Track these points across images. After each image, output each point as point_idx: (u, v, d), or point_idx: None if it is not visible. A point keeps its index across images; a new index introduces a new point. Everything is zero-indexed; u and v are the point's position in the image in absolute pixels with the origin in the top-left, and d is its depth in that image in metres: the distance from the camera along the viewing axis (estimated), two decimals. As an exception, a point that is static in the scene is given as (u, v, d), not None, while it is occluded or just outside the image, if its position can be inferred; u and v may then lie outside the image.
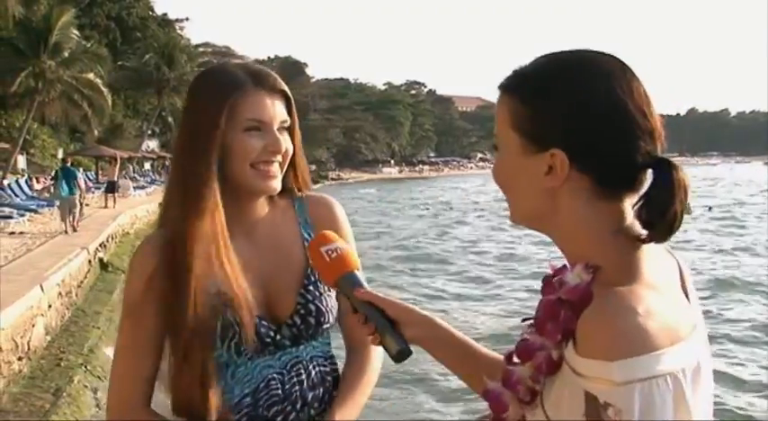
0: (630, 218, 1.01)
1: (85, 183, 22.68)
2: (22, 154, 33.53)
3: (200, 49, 62.50)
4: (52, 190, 20.58)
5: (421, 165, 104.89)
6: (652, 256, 1.01)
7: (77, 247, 13.64)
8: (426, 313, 1.26)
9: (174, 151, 1.54)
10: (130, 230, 20.72)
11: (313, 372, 1.54)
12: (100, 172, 36.63)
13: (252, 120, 1.47)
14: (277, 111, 1.50)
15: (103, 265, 14.86)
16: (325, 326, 1.56)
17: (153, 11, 57.03)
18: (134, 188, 32.08)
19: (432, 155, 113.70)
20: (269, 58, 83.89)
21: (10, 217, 18.26)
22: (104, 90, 35.04)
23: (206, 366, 1.43)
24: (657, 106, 1.06)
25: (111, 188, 25.65)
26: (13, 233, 16.60)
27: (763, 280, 16.83)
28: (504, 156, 1.07)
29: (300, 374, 1.52)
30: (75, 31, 33.66)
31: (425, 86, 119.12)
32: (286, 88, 1.53)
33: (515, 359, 1.05)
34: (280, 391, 1.50)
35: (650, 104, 1.01)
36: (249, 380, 1.49)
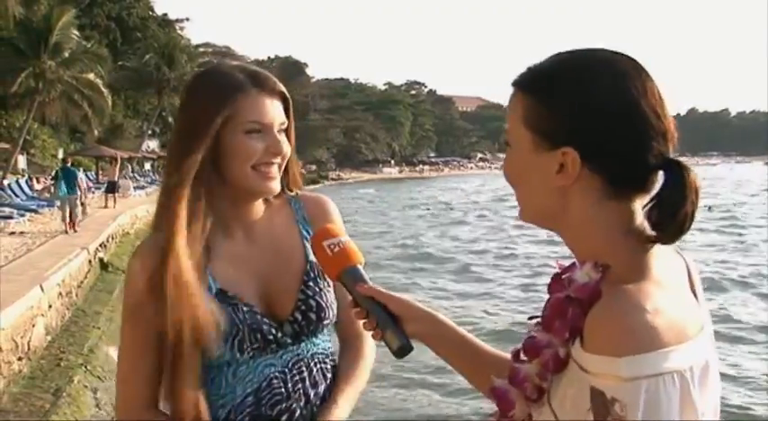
0: (640, 218, 1.01)
1: (86, 183, 22.67)
2: (23, 154, 33.57)
3: (201, 49, 62.53)
4: (52, 190, 20.59)
5: (421, 166, 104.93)
6: (661, 257, 1.01)
7: (77, 247, 13.64)
8: (429, 309, 1.26)
9: (169, 151, 1.54)
10: (130, 230, 20.71)
11: (314, 370, 1.54)
12: (100, 172, 36.68)
13: (254, 123, 1.47)
14: (277, 113, 1.51)
15: (104, 265, 14.86)
16: (325, 322, 1.57)
17: (153, 11, 57.13)
18: (134, 188, 32.09)
19: (432, 155, 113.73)
20: (269, 58, 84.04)
21: (10, 217, 18.28)
22: (104, 90, 35.11)
23: (192, 370, 1.43)
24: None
25: (112, 188, 25.69)
26: (13, 233, 16.61)
27: (764, 280, 16.83)
28: (515, 152, 1.07)
29: (302, 372, 1.53)
30: (76, 32, 33.72)
31: (426, 86, 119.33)
32: (284, 90, 1.54)
33: (522, 356, 1.05)
34: (282, 390, 1.50)
35: (664, 105, 1.01)
36: (251, 380, 1.49)
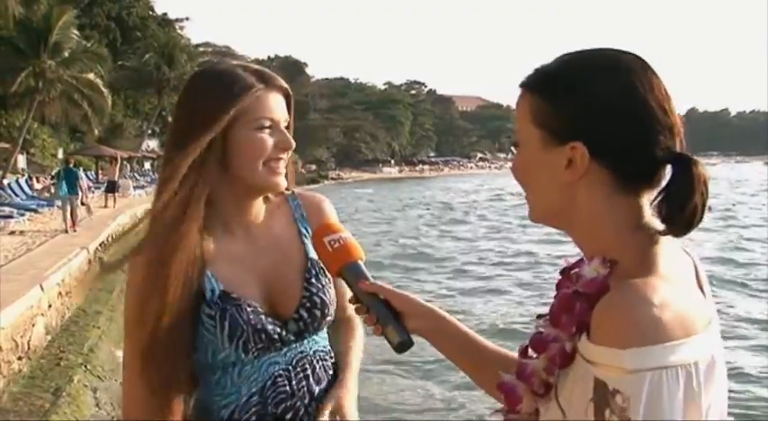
0: (648, 213, 1.02)
1: (86, 183, 22.68)
2: (23, 153, 33.58)
3: (201, 49, 62.53)
4: (52, 189, 20.60)
5: (421, 165, 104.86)
6: (668, 253, 1.01)
7: (77, 247, 13.65)
8: (431, 305, 1.26)
9: (166, 150, 1.53)
10: (131, 230, 20.71)
11: (317, 367, 1.55)
12: (100, 172, 36.70)
13: (265, 119, 1.48)
14: (283, 109, 1.52)
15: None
16: (328, 318, 1.57)
17: (153, 11, 57.04)
18: (134, 187, 32.10)
19: (432, 154, 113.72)
20: (269, 57, 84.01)
21: (10, 216, 18.27)
22: (104, 90, 35.08)
23: (177, 372, 1.44)
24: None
25: (112, 188, 25.72)
26: (13, 232, 16.61)
27: (763, 279, 16.85)
28: (524, 151, 1.08)
29: (306, 369, 1.53)
30: (76, 31, 33.70)
31: (425, 86, 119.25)
32: (288, 87, 1.55)
33: (530, 353, 1.06)
34: (287, 388, 1.50)
35: (670, 101, 1.03)
36: (256, 379, 1.49)
